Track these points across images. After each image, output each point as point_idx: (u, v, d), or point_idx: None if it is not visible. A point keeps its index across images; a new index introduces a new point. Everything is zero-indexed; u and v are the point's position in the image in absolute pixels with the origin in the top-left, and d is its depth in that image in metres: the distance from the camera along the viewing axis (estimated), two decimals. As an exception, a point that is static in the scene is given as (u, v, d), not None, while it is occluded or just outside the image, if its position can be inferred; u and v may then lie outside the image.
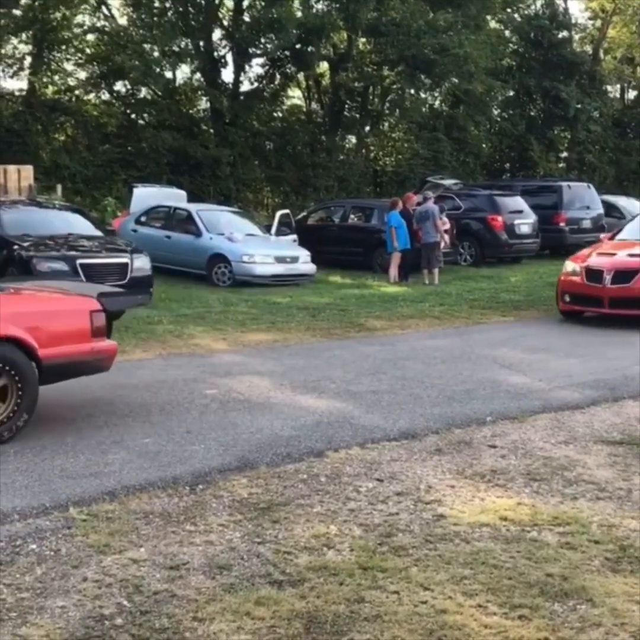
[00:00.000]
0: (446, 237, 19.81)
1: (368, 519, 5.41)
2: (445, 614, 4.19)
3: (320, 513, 5.50)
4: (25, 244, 14.26)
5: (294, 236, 20.25)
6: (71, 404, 7.99)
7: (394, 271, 18.62)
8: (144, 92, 29.98)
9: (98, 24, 29.39)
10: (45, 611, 4.19)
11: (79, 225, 15.99)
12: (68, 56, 29.17)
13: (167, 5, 28.63)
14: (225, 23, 30.09)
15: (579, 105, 36.79)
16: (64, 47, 28.58)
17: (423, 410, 8.08)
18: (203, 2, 28.55)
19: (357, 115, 34.42)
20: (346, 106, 33.96)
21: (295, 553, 4.88)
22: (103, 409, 7.81)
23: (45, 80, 28.63)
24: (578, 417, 7.98)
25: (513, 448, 6.95)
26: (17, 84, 29.34)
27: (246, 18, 29.36)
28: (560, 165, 39.24)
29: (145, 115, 30.10)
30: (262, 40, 28.78)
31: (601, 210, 25.76)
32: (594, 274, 13.43)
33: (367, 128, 34.77)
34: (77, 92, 29.37)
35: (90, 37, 29.13)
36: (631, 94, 43.14)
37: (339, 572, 4.63)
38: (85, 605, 4.26)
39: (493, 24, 36.88)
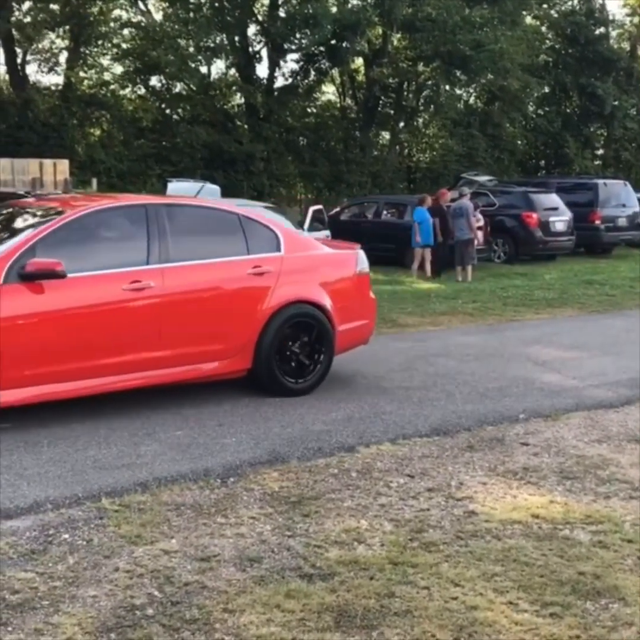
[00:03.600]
0: (480, 234, 19.73)
1: (399, 515, 5.39)
2: (476, 611, 4.17)
3: (350, 507, 5.49)
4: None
5: (327, 232, 20.22)
6: (102, 395, 8.03)
7: (416, 266, 18.70)
8: (179, 87, 30.15)
9: (134, 19, 29.57)
10: (77, 600, 4.22)
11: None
12: (104, 51, 29.42)
13: (203, 0, 28.73)
14: (260, 18, 30.16)
15: (616, 102, 36.49)
16: (100, 42, 28.82)
17: (455, 407, 8.05)
18: (238, -3, 28.64)
19: (391, 111, 34.38)
20: (380, 102, 33.92)
21: (325, 547, 4.88)
22: (135, 401, 7.84)
23: (81, 74, 28.87)
24: (612, 415, 7.91)
25: (546, 446, 6.90)
26: (54, 79, 29.70)
27: (281, 13, 29.40)
28: (596, 162, 38.94)
29: (179, 110, 30.28)
30: (297, 35, 28.85)
31: (637, 208, 25.52)
32: None
33: (401, 124, 34.70)
34: (112, 86, 29.60)
35: (126, 32, 29.31)
36: (669, 91, 42.67)
37: (370, 567, 4.62)
38: (117, 595, 4.28)
39: (529, 20, 36.69)
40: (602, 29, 37.93)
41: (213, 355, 7.86)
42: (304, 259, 8.63)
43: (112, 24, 28.75)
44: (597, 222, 24.33)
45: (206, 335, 7.77)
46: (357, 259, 9.05)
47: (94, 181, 22.76)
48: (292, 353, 8.25)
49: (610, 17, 39.62)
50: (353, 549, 4.86)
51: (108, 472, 5.99)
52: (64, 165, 20.32)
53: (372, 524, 5.23)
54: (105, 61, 29.82)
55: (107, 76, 29.78)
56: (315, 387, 8.33)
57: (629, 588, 4.44)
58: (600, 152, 40.22)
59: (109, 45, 29.14)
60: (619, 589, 4.43)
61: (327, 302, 8.43)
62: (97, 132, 29.20)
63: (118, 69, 30.00)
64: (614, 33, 40.30)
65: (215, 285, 7.95)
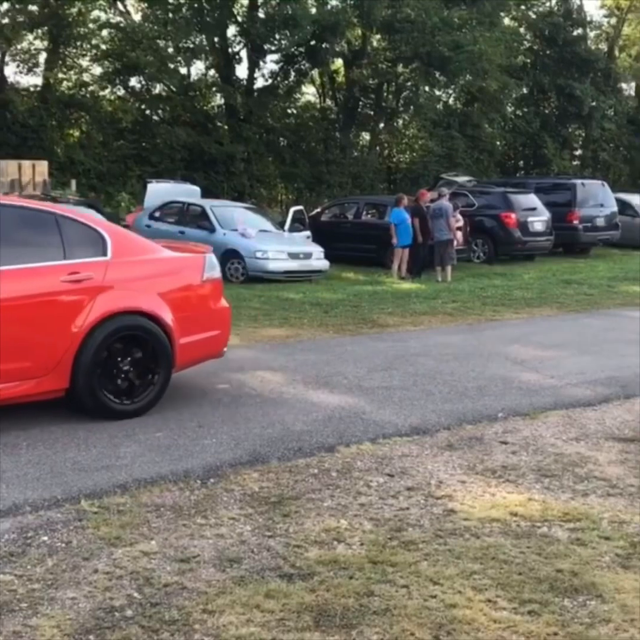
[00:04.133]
0: (459, 234, 19.80)
1: (378, 514, 5.41)
2: (455, 609, 4.19)
3: (330, 507, 5.50)
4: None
5: (308, 232, 20.27)
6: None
7: (395, 266, 18.75)
8: (158, 88, 30.09)
9: (113, 20, 29.46)
10: (56, 602, 4.21)
11: (93, 220, 16.01)
12: (83, 52, 29.28)
13: (182, 1, 28.69)
14: (240, 19, 30.12)
15: (594, 103, 36.69)
16: (79, 43, 28.70)
17: (434, 406, 8.08)
18: (218, -2, 28.60)
19: (371, 112, 34.43)
20: (360, 103, 33.97)
21: (305, 547, 4.90)
22: (115, 403, 7.82)
23: (60, 76, 28.75)
24: (590, 414, 7.97)
25: (524, 444, 6.94)
26: (33, 80, 29.51)
27: (261, 14, 29.39)
28: (575, 163, 39.15)
29: (159, 111, 30.20)
30: (277, 36, 28.85)
31: (615, 208, 25.71)
32: None
33: (381, 125, 34.77)
34: (92, 88, 29.47)
35: (105, 33, 29.21)
36: (646, 92, 42.97)
37: (349, 566, 4.64)
38: (96, 596, 4.28)
39: (507, 21, 36.83)
40: (579, 30, 38.12)
41: (19, 374, 6.84)
42: (137, 264, 7.73)
43: (91, 25, 28.63)
44: (576, 222, 24.48)
45: (10, 352, 6.72)
46: (205, 263, 8.17)
47: (73, 182, 22.69)
48: (120, 371, 7.33)
49: (588, 19, 39.89)
50: (333, 549, 4.88)
51: (87, 474, 5.97)
52: (42, 166, 20.25)
53: (352, 524, 5.24)
54: (84, 62, 29.70)
55: (86, 77, 29.65)
56: (151, 407, 7.49)
57: (606, 585, 4.48)
58: (578, 152, 40.44)
59: (88, 46, 29.02)
60: (597, 586, 4.46)
61: (164, 313, 7.51)
62: (77, 133, 29.07)
63: (97, 70, 29.89)
64: (591, 34, 40.54)
65: (21, 294, 6.87)
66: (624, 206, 26.74)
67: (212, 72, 31.16)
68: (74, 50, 29.13)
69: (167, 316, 7.55)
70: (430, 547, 4.91)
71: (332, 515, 5.36)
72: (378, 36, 32.43)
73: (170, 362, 7.59)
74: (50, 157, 22.92)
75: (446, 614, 4.14)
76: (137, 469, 6.10)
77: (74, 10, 27.29)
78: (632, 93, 43.01)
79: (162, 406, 7.76)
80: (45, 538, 4.95)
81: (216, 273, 8.37)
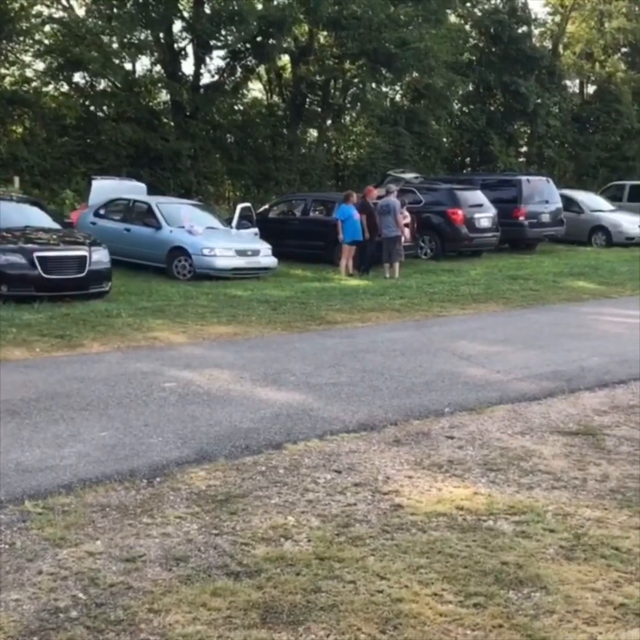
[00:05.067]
0: (407, 231, 19.88)
1: (326, 510, 5.42)
2: (401, 603, 4.21)
3: (278, 504, 5.50)
4: (-19, 237, 14.05)
5: (255, 229, 20.21)
6: (27, 397, 7.92)
7: (344, 263, 18.78)
8: (103, 84, 29.69)
9: (56, 15, 29.05)
10: (0, 604, 4.15)
11: (37, 217, 15.85)
12: (26, 47, 28.80)
13: (127, -4, 28.41)
14: (186, 15, 29.87)
15: (539, 100, 37.09)
16: (21, 38, 28.20)
17: (382, 402, 8.11)
18: (163, -7, 28.34)
19: (319, 109, 34.41)
20: (307, 100, 33.93)
21: (252, 544, 4.88)
22: (60, 403, 7.74)
23: (2, 71, 28.28)
24: (535, 408, 8.06)
25: (470, 439, 7.00)
26: (-26, 75, 28.98)
27: (207, 10, 29.17)
28: (520, 159, 39.52)
29: (104, 107, 29.81)
30: (223, 32, 28.66)
31: (560, 205, 26.01)
32: None
33: (329, 122, 34.76)
34: (34, 83, 29.02)
35: (48, 28, 28.79)
36: (590, 89, 43.55)
37: (296, 563, 4.64)
38: (40, 598, 4.23)
39: (453, 19, 37.04)
40: (524, 28, 38.47)
41: None
42: None
43: (33, 20, 28.17)
44: (521, 218, 24.72)
45: None
46: None
47: (17, 179, 22.37)
48: None
49: (533, 16, 40.27)
50: (280, 546, 4.87)
51: (31, 474, 5.90)
52: (-15, 163, 19.94)
53: (299, 520, 5.24)
54: (26, 57, 29.20)
55: (29, 73, 29.17)
56: None
57: (550, 577, 4.53)
58: (523, 149, 40.83)
59: (31, 41, 28.54)
60: (541, 578, 4.51)
61: None
62: (19, 130, 28.61)
63: (40, 65, 29.46)
64: (536, 32, 40.97)
65: None
66: (569, 202, 27.07)
67: (157, 68, 30.83)
68: (17, 46, 28.65)
69: None
70: (377, 542, 4.93)
71: (280, 513, 5.36)
72: (325, 33, 32.40)
73: None
74: (-8, 154, 22.57)
75: (393, 609, 4.16)
76: (82, 469, 6.04)
77: (17, 5, 26.86)
78: (577, 90, 43.60)
79: (108, 405, 7.69)
80: (-12, 540, 4.87)
81: None
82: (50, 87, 29.61)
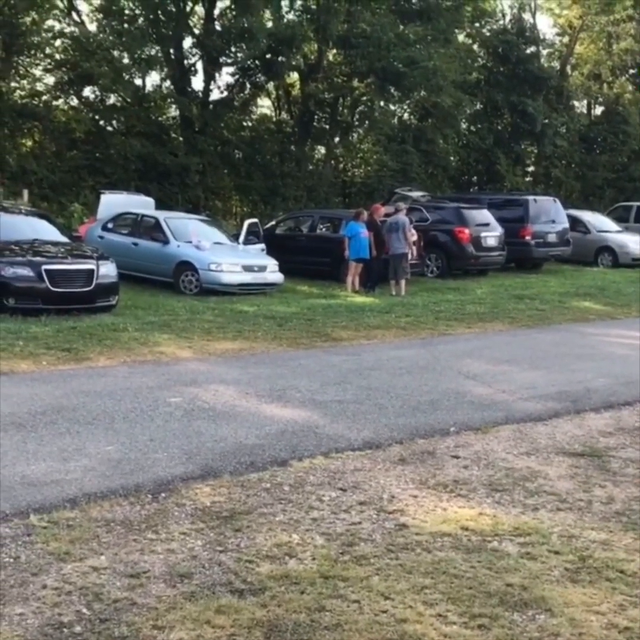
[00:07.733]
0: (413, 248, 19.91)
1: (330, 528, 5.41)
2: (405, 623, 4.20)
3: (282, 522, 5.49)
4: (-10, 249, 14.08)
5: (262, 245, 20.24)
6: (33, 410, 7.93)
7: (350, 280, 18.80)
8: (113, 98, 29.85)
9: (67, 30, 29.24)
10: (3, 618, 4.14)
11: (45, 231, 15.88)
12: (37, 61, 28.98)
13: (138, 12, 28.56)
14: (196, 31, 30.07)
15: (546, 120, 37.15)
16: (32, 52, 28.39)
17: (387, 420, 8.11)
18: (174, 9, 28.49)
19: (327, 126, 34.52)
20: (316, 117, 34.04)
21: (257, 562, 4.88)
22: (66, 416, 7.75)
23: (13, 85, 28.42)
24: (540, 428, 8.05)
25: (476, 459, 6.99)
26: (-15, 88, 29.11)
27: (217, 27, 29.36)
28: (527, 179, 39.58)
29: (113, 121, 29.97)
30: (233, 49, 28.83)
31: (567, 225, 26.02)
32: None
33: (337, 139, 34.86)
34: (45, 97, 29.18)
35: (59, 42, 28.97)
36: (597, 110, 43.67)
37: (301, 581, 4.63)
38: (44, 612, 4.23)
39: (462, 38, 37.22)
40: (532, 48, 38.62)
41: None
42: None
43: (44, 34, 28.36)
44: (528, 237, 24.73)
45: None
46: None
47: (26, 192, 22.44)
48: None
49: (541, 37, 40.44)
50: (284, 564, 4.87)
51: (36, 488, 5.90)
52: (-6, 176, 20.03)
53: (304, 538, 5.24)
54: (37, 71, 29.39)
55: (39, 86, 29.36)
56: None
57: (555, 599, 4.52)
58: (530, 168, 40.90)
59: (42, 55, 28.75)
60: (546, 600, 4.50)
61: None
62: (29, 143, 28.77)
63: (51, 79, 29.64)
64: (544, 52, 41.10)
65: None
66: (575, 222, 27.09)
67: (167, 83, 30.97)
68: (28, 59, 28.83)
69: None
70: (381, 562, 4.92)
71: (284, 530, 5.35)
72: (334, 51, 32.56)
73: None
74: (1, 166, 22.68)
75: (397, 629, 4.15)
76: (87, 483, 6.04)
77: (28, 19, 27.04)
78: (584, 111, 43.70)
79: (114, 419, 7.70)
80: (-7, 554, 4.88)
81: None
82: (60, 101, 29.79)
